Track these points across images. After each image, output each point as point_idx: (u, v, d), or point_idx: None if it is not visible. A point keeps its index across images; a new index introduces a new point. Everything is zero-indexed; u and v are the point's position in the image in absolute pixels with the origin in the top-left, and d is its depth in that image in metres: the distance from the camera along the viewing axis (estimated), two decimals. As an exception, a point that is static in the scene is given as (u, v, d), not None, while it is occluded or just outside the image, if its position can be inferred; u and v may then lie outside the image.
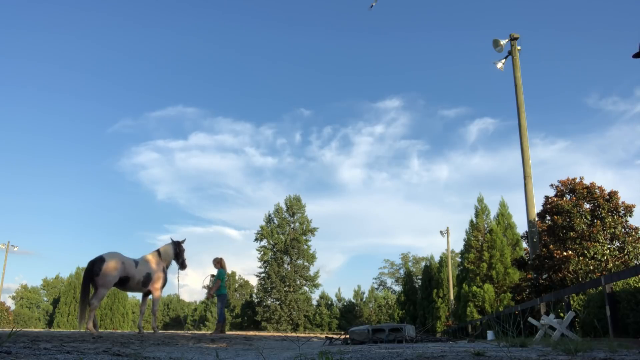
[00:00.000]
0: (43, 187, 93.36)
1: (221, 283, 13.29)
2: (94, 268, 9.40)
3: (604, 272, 12.68)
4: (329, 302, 65.84)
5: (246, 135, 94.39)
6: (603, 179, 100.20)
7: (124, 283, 9.92)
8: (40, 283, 78.93)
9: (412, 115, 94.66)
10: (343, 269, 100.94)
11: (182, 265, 11.26)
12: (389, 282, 71.39)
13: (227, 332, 12.91)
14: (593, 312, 9.50)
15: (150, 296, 10.80)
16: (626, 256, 13.47)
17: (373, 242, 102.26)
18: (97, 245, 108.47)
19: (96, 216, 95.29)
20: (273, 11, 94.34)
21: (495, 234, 30.41)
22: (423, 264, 54.96)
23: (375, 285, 69.82)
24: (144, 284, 10.19)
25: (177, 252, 11.03)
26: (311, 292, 61.78)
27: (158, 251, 10.76)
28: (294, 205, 62.79)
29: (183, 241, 11.23)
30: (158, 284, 10.44)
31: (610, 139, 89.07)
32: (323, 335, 16.76)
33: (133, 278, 9.91)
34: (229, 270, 13.78)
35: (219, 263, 13.49)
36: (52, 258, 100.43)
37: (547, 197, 15.93)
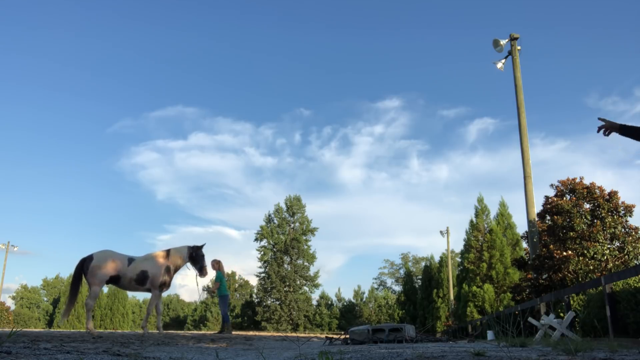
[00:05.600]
0: (43, 187, 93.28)
1: (222, 285, 13.34)
2: (84, 266, 9.44)
3: (604, 272, 12.68)
4: (329, 302, 65.83)
5: (246, 135, 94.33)
6: (603, 179, 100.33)
7: (117, 281, 9.87)
8: (40, 283, 79.02)
9: (411, 115, 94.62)
10: (343, 269, 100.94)
11: (201, 271, 10.66)
12: (389, 282, 71.39)
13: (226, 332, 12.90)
14: (593, 312, 9.50)
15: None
16: (626, 256, 13.48)
17: (373, 242, 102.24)
18: (97, 245, 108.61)
19: (96, 216, 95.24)
20: (273, 11, 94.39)
21: (495, 234, 30.42)
22: (423, 264, 54.95)
23: (375, 285, 69.81)
24: (139, 282, 9.91)
25: (192, 256, 10.54)
26: (311, 292, 61.77)
27: (168, 250, 10.46)
28: (294, 205, 62.78)
29: (202, 246, 10.71)
30: (156, 283, 10.22)
31: (610, 139, 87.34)
32: (323, 335, 16.76)
33: (124, 276, 9.72)
34: (228, 271, 13.70)
35: (217, 265, 13.52)
36: (52, 258, 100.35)
37: (547, 197, 15.94)
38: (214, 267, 13.49)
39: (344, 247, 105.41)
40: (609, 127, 4.52)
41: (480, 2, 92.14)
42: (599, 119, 4.62)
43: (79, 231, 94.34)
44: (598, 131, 4.57)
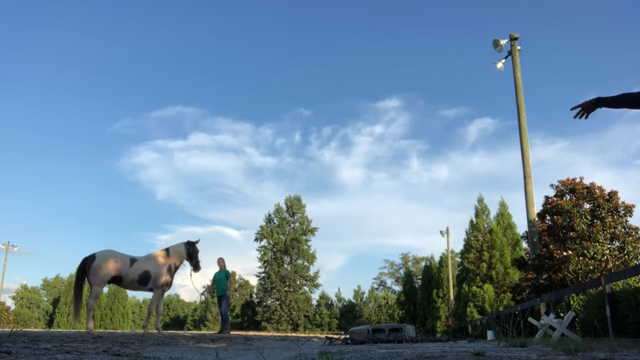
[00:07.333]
0: (43, 187, 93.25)
1: (226, 283, 13.35)
2: (86, 266, 9.44)
3: (604, 272, 12.68)
4: (329, 302, 65.84)
5: (246, 135, 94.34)
6: (603, 179, 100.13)
7: (119, 281, 9.87)
8: (40, 283, 79.06)
9: (411, 115, 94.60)
10: (343, 269, 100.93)
11: (196, 267, 10.81)
12: (389, 282, 71.33)
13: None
14: (593, 312, 9.49)
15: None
16: (626, 256, 13.47)
17: (373, 242, 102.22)
18: (97, 245, 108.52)
19: (96, 216, 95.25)
20: (273, 11, 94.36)
21: (495, 234, 30.40)
22: (423, 264, 54.92)
23: (375, 285, 69.77)
24: (141, 282, 9.93)
25: (190, 253, 10.66)
26: (311, 292, 61.77)
27: (167, 250, 10.52)
28: (294, 205, 62.78)
29: (197, 242, 10.85)
30: (158, 283, 10.19)
31: (610, 139, 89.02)
32: (323, 335, 16.77)
33: (127, 277, 9.73)
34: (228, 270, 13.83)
35: (223, 262, 13.63)
36: (52, 258, 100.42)
37: (547, 197, 15.94)
38: (220, 264, 13.55)
39: (344, 247, 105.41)
40: (585, 108, 4.32)
41: (480, 2, 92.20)
42: (572, 108, 4.43)
43: (79, 231, 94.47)
44: (575, 117, 4.38)
